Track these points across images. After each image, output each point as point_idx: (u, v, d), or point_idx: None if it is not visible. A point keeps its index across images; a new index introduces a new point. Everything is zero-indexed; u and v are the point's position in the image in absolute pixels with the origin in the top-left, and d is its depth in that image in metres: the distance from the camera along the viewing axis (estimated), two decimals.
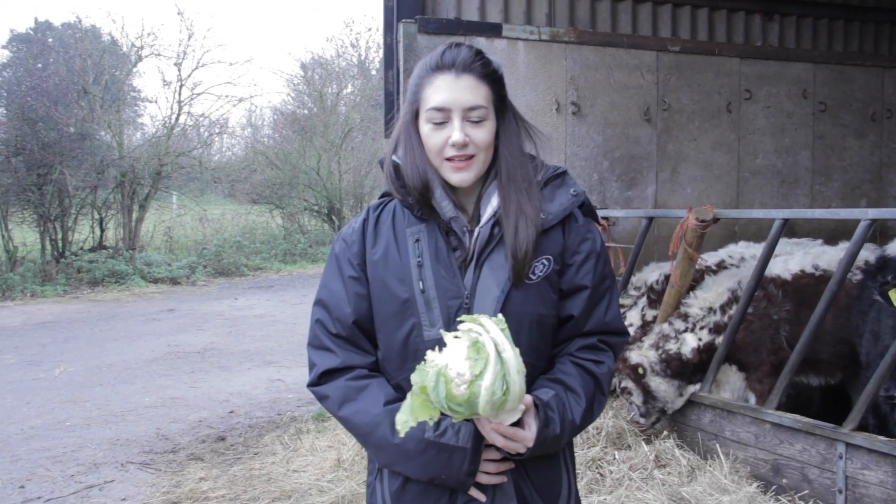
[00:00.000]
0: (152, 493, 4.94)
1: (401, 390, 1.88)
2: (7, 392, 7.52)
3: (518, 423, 1.76)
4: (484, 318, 1.67)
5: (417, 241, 1.87)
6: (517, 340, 1.73)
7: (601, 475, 4.48)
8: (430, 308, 1.83)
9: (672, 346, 4.85)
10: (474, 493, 1.85)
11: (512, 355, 1.64)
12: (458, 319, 1.70)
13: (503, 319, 1.68)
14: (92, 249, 16.08)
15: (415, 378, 1.66)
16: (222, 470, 5.27)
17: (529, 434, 1.76)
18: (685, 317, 4.92)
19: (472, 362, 1.61)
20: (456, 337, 1.66)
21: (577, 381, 1.88)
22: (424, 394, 1.65)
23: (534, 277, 1.84)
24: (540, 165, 1.95)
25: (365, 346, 1.92)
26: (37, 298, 13.56)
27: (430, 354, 1.67)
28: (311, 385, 1.94)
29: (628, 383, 4.90)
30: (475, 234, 1.86)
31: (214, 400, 7.17)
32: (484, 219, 1.86)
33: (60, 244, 15.65)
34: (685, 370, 4.86)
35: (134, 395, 7.38)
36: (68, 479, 5.26)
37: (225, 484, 4.99)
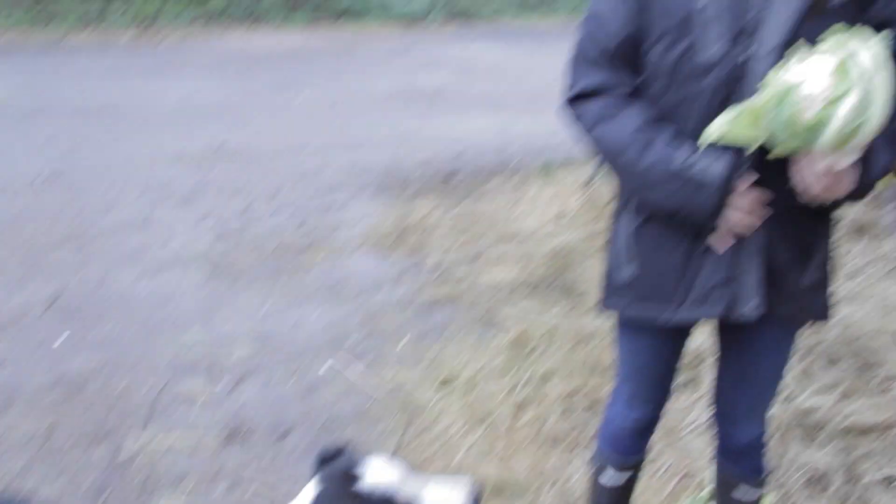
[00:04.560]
0: (383, 218, 5.23)
1: (664, 116, 1.72)
2: (259, 112, 8.12)
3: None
4: (854, 36, 1.46)
5: None
6: None
7: (837, 264, 4.18)
8: (710, 27, 1.61)
9: None
10: (717, 238, 1.70)
11: (882, 81, 1.41)
12: (821, 39, 1.49)
13: (884, 37, 1.46)
14: None
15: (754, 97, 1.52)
16: (448, 206, 5.45)
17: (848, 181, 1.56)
18: None
19: (833, 85, 1.41)
20: (812, 56, 1.47)
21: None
22: (755, 114, 1.47)
23: (835, 1, 1.56)
24: None
25: (628, 68, 1.75)
26: (283, 28, 14.19)
27: (777, 72, 1.49)
28: (567, 102, 1.84)
29: None
30: None
31: (444, 140, 7.31)
32: None
33: None
34: None
35: (370, 126, 7.69)
36: (311, 197, 5.69)
37: (450, 219, 5.19)
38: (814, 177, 1.53)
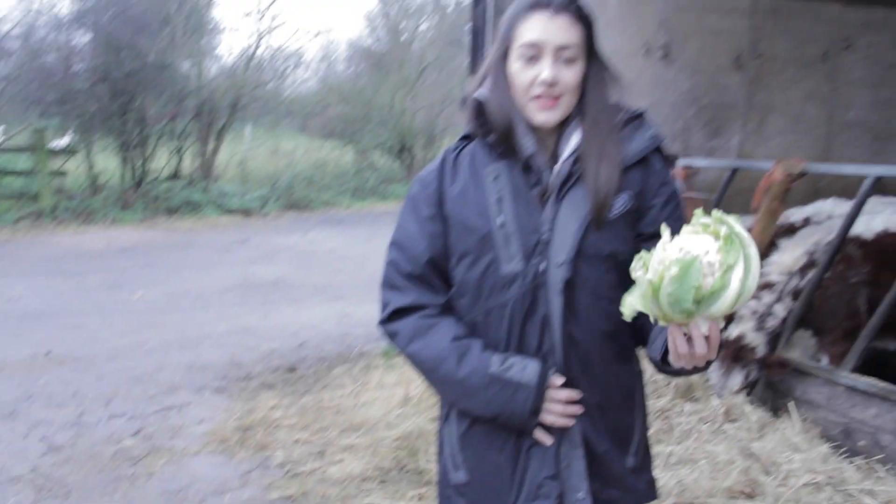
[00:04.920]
0: (226, 417, 5.12)
1: (473, 329, 1.91)
2: (92, 313, 7.84)
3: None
4: (725, 216, 1.62)
5: (496, 178, 1.89)
6: (596, 276, 1.82)
7: (669, 426, 4.47)
8: (509, 243, 1.84)
9: (772, 323, 4.73)
10: (540, 435, 1.86)
11: (755, 252, 1.59)
12: (696, 215, 1.65)
13: (739, 219, 1.65)
14: (169, 178, 16.46)
15: (640, 272, 1.62)
16: (293, 399, 5.42)
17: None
18: (769, 286, 4.78)
19: (725, 254, 1.56)
20: (693, 232, 1.62)
21: None
22: (653, 288, 1.58)
23: (612, 214, 1.85)
24: (620, 108, 1.96)
25: (438, 286, 1.95)
26: (117, 224, 14.00)
27: (661, 249, 1.61)
28: (381, 323, 1.99)
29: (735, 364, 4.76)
30: (555, 170, 1.87)
31: (285, 331, 7.34)
32: (564, 155, 1.87)
33: (139, 172, 16.05)
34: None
35: (209, 322, 7.61)
36: (149, 399, 5.49)
37: (295, 413, 5.14)
38: (697, 342, 1.63)
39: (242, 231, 13.80)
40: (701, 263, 1.55)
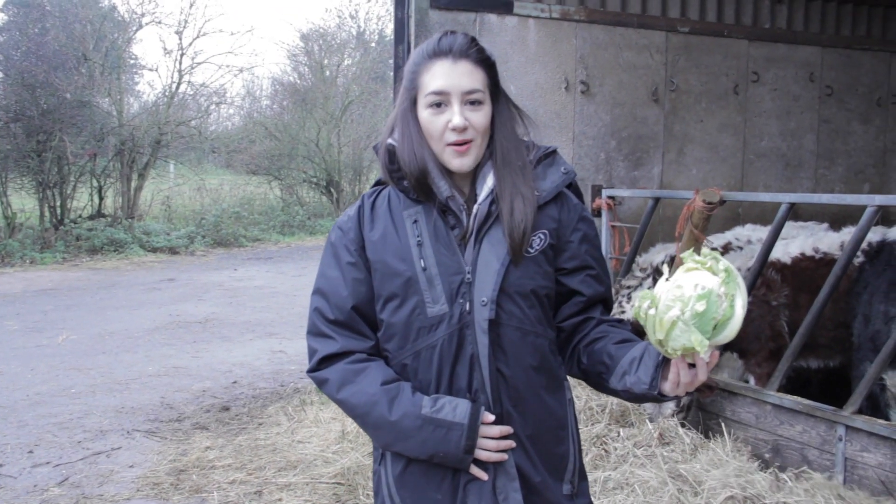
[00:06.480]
0: (159, 460, 5.00)
1: (402, 371, 1.92)
2: (12, 358, 7.57)
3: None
4: (713, 253, 1.72)
5: (415, 222, 1.92)
6: (520, 312, 1.88)
7: (605, 451, 4.55)
8: (433, 285, 1.88)
9: None
10: (476, 471, 1.89)
11: (742, 284, 1.70)
12: (682, 256, 1.74)
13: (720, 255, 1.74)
14: (91, 217, 16.05)
15: (651, 311, 1.69)
16: (227, 439, 5.33)
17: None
18: None
19: (727, 285, 1.66)
20: (690, 269, 1.71)
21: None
22: (675, 322, 1.65)
23: (531, 251, 1.90)
24: (532, 147, 2.01)
25: (364, 331, 1.96)
26: (36, 265, 13.57)
27: (681, 283, 1.68)
28: (310, 371, 1.98)
29: None
30: (473, 211, 1.91)
31: (217, 370, 7.22)
32: (481, 197, 1.92)
33: (59, 211, 15.62)
34: None
35: (137, 363, 7.43)
36: (76, 446, 5.32)
37: (231, 453, 5.06)
38: (702, 370, 1.72)
39: (169, 269, 13.53)
40: (717, 296, 1.65)
